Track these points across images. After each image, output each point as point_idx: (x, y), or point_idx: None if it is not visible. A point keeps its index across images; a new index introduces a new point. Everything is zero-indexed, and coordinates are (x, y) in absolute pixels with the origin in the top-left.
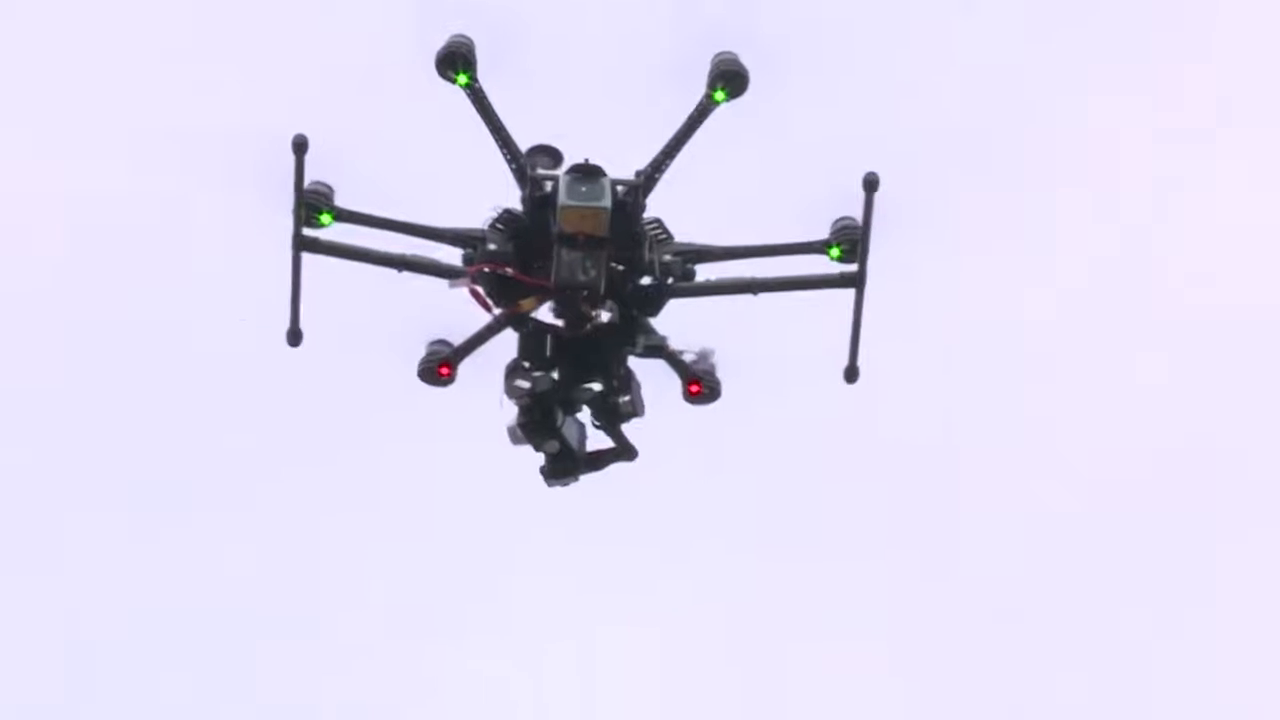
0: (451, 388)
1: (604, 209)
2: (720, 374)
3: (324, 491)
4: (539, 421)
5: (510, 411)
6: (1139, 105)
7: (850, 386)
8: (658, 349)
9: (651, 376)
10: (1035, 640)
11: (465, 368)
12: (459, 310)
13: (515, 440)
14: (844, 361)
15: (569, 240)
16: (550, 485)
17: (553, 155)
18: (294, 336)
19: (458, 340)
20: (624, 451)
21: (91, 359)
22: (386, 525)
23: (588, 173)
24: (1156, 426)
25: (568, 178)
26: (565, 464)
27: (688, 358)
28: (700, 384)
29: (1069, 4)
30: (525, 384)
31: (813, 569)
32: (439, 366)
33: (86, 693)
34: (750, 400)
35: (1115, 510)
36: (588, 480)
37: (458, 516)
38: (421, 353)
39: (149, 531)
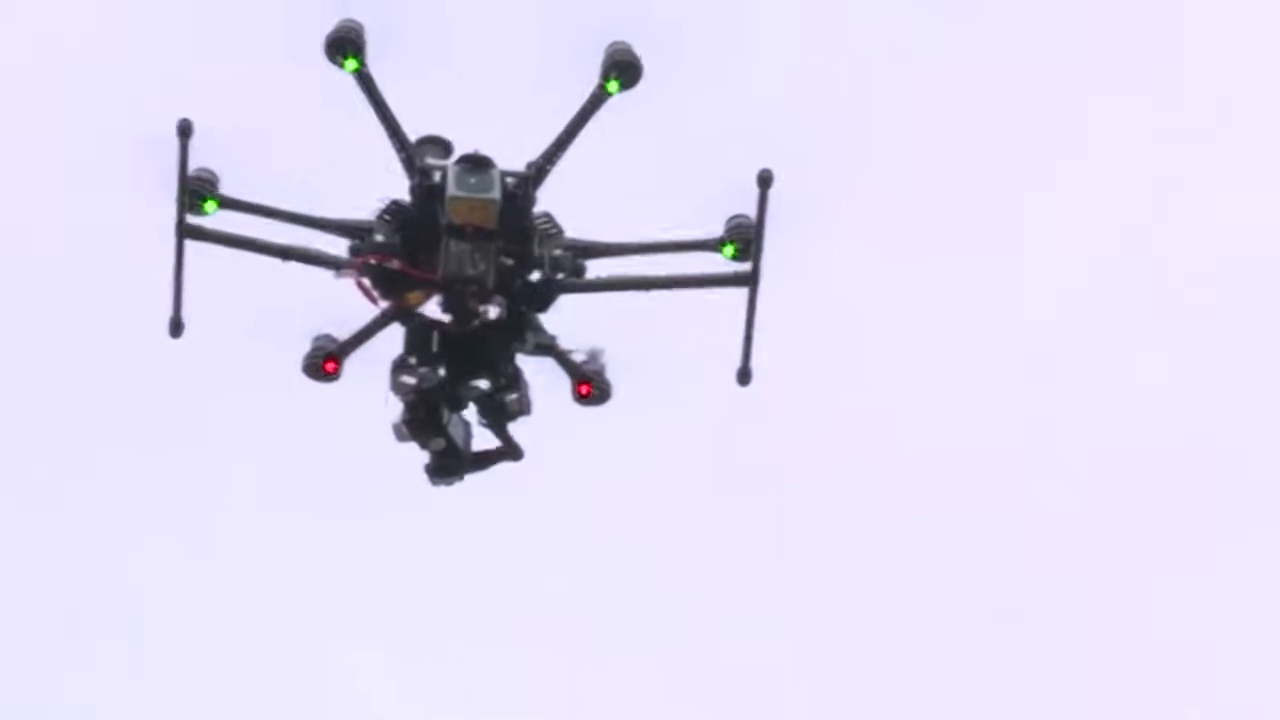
0: (337, 383)
1: (493, 200)
2: (611, 375)
3: (200, 487)
4: (425, 419)
5: (396, 408)
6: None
7: (743, 389)
8: (547, 348)
9: (541, 376)
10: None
11: (351, 363)
12: (345, 303)
13: (400, 437)
14: (737, 363)
15: (457, 232)
16: (435, 484)
17: (443, 146)
18: (175, 327)
19: (343, 335)
20: (510, 451)
21: None
22: (262, 524)
23: (477, 163)
24: (1153, 427)
25: (457, 168)
26: (450, 462)
27: (577, 357)
28: (590, 385)
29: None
30: (411, 380)
31: (702, 573)
32: (324, 361)
33: None
34: (640, 402)
35: (1110, 512)
36: (472, 480)
37: (340, 515)
38: (306, 347)
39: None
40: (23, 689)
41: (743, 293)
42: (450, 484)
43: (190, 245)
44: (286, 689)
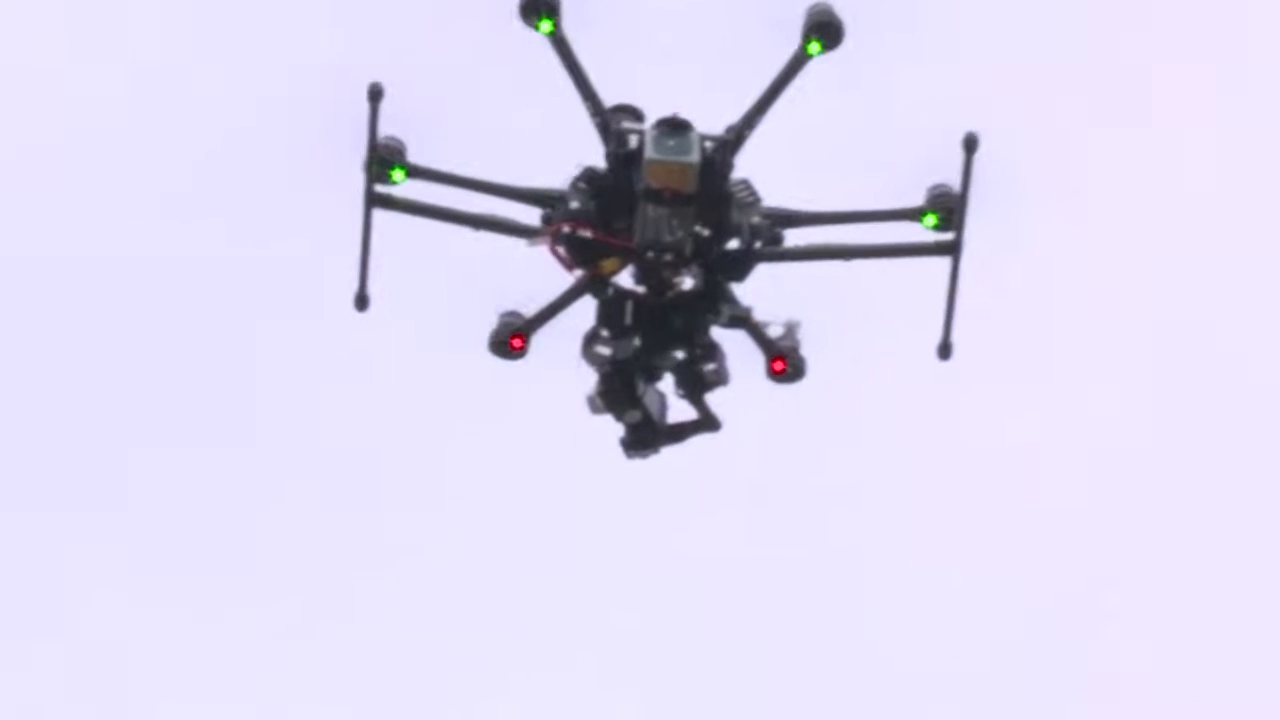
0: (524, 361)
1: (692, 163)
2: (805, 351)
3: (383, 468)
4: (620, 390)
5: (590, 380)
6: None
7: (943, 364)
8: (742, 320)
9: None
10: None
11: (539, 340)
12: (533, 277)
13: (595, 410)
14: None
15: (654, 196)
16: (630, 457)
17: (634, 114)
18: (361, 301)
19: (531, 311)
20: (708, 423)
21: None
22: (446, 505)
23: (676, 126)
24: None
25: (655, 132)
26: (646, 435)
27: (773, 331)
28: (785, 361)
29: None
30: (606, 351)
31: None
32: (511, 338)
33: None
34: (833, 378)
35: None
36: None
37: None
38: (492, 323)
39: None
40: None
41: (944, 263)
42: (646, 456)
43: (381, 216)
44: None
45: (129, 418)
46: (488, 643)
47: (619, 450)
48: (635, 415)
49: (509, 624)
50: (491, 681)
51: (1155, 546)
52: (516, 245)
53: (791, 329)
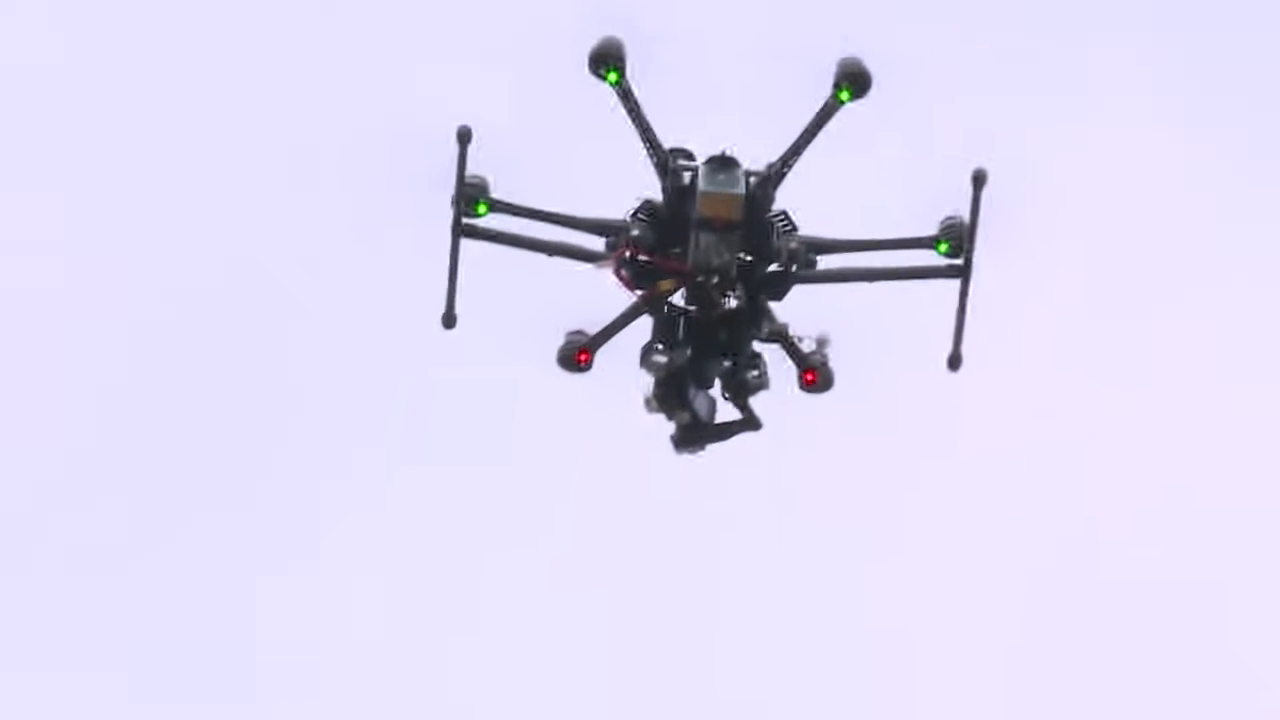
0: (587, 375)
1: (739, 195)
2: (834, 365)
3: (464, 473)
4: (673, 394)
5: (646, 385)
6: None
7: (953, 374)
8: (779, 335)
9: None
10: None
11: (601, 356)
12: (595, 299)
13: (650, 410)
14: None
15: (706, 225)
16: (679, 453)
17: (688, 155)
18: (449, 320)
19: (594, 329)
20: (750, 422)
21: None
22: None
23: (724, 163)
24: None
25: (706, 167)
26: (694, 434)
27: (806, 346)
28: (815, 374)
29: None
30: (663, 359)
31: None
32: (578, 353)
33: None
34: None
35: None
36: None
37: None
38: (560, 341)
39: None
40: None
41: (955, 285)
42: (694, 453)
43: (467, 245)
44: None
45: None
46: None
47: (669, 447)
48: (685, 416)
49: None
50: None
51: None
52: (583, 269)
53: (822, 343)
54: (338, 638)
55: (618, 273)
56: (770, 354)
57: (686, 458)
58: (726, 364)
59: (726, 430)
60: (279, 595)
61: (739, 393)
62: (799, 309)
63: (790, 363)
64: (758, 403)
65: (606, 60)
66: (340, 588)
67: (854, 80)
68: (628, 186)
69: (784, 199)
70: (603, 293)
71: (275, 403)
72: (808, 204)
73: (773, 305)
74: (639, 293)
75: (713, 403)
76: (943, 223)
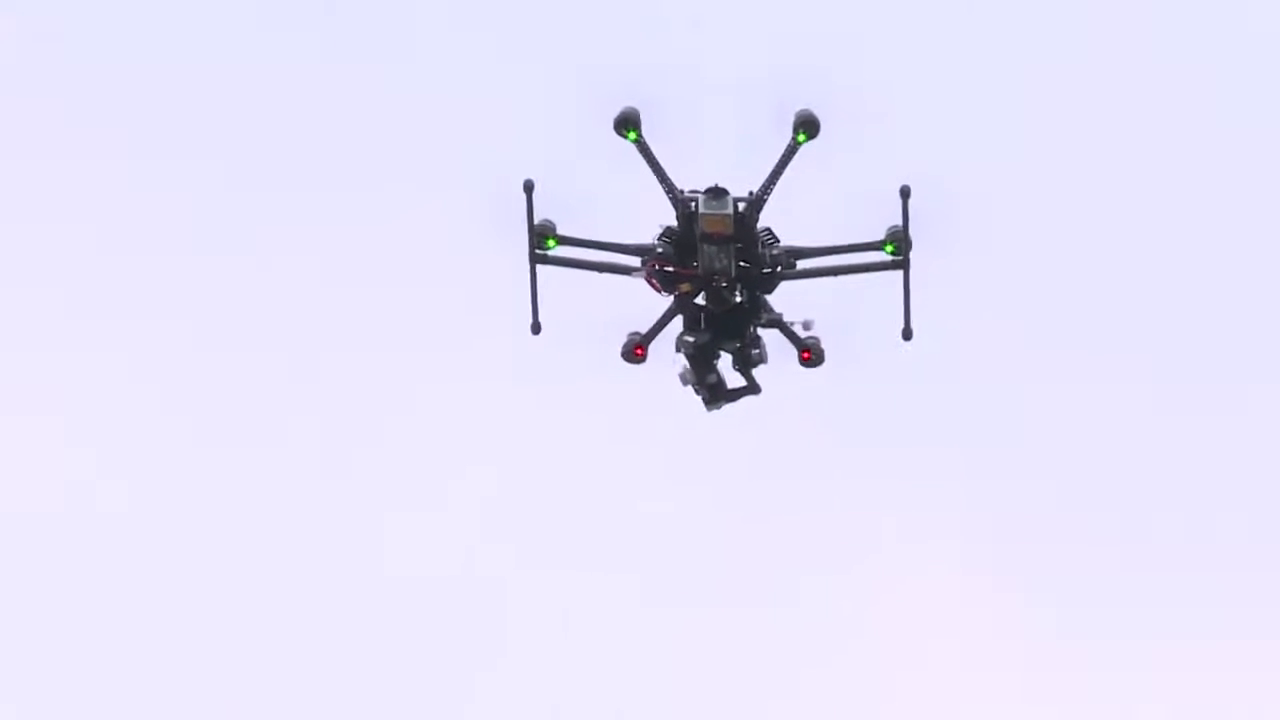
0: (644, 366)
1: (729, 215)
2: (824, 344)
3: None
4: (702, 364)
5: (679, 362)
6: None
7: (907, 344)
8: (776, 322)
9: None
10: None
11: (652, 350)
12: (638, 305)
13: (684, 380)
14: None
15: (708, 239)
16: (709, 410)
17: (693, 193)
18: (536, 328)
19: (644, 329)
20: (753, 388)
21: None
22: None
23: (718, 192)
24: None
25: (703, 196)
26: (719, 392)
27: (799, 330)
28: (810, 352)
29: None
30: (693, 338)
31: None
32: (635, 348)
33: None
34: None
35: None
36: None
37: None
38: (622, 340)
39: None
40: None
41: (899, 276)
42: (720, 407)
43: (541, 270)
44: None
45: None
46: None
47: (701, 406)
48: (713, 378)
49: None
50: None
51: None
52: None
53: (808, 324)
54: None
55: (650, 281)
56: (770, 337)
57: (714, 413)
58: (736, 345)
59: (738, 393)
60: None
61: (746, 366)
62: (791, 301)
63: (789, 344)
64: (759, 373)
65: (627, 124)
66: None
67: (808, 127)
68: (653, 216)
69: (769, 218)
70: (644, 298)
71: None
72: (786, 221)
73: (768, 299)
74: (669, 295)
75: (722, 377)
76: (888, 230)
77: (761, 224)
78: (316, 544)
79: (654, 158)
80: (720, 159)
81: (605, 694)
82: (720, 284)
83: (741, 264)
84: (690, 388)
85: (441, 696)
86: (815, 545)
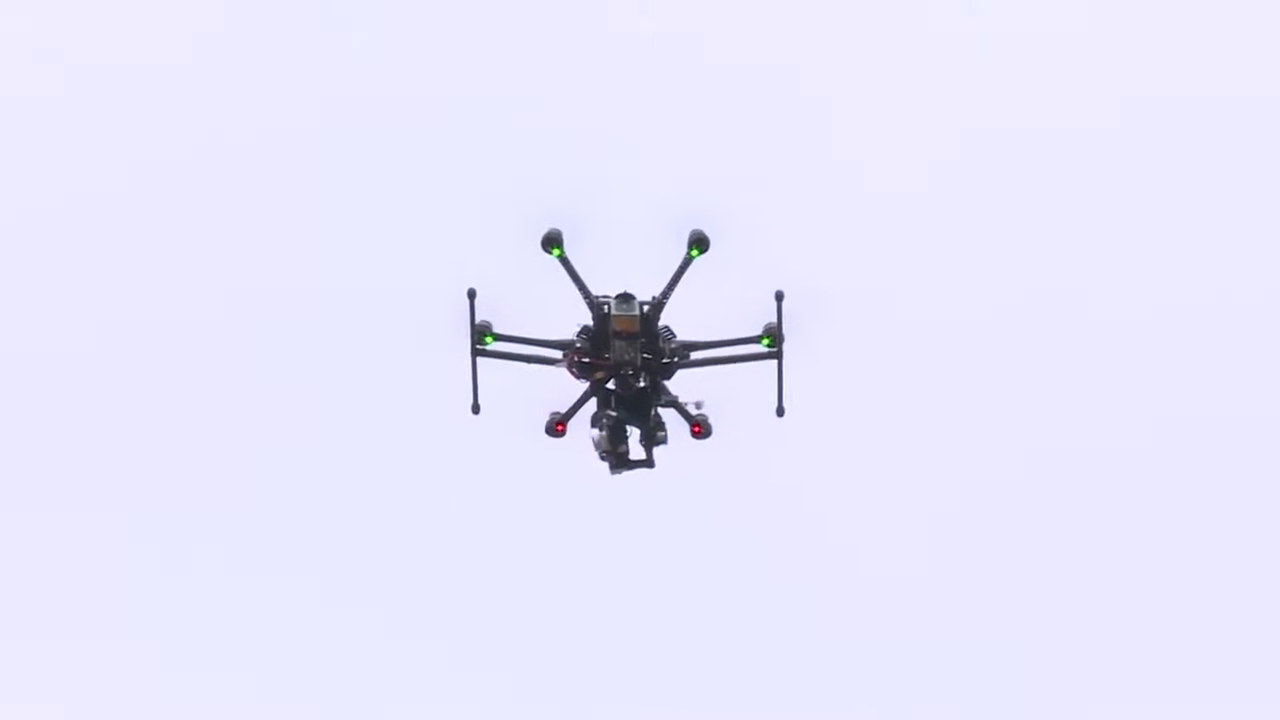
0: (563, 440)
1: (636, 315)
2: (712, 420)
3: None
4: (615, 436)
5: (595, 433)
6: None
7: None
8: (673, 402)
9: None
10: None
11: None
12: (559, 390)
13: (598, 448)
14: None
15: (619, 335)
16: (613, 474)
17: (605, 297)
18: (475, 408)
19: (563, 409)
20: (649, 463)
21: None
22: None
23: (626, 297)
24: None
25: (615, 300)
26: (623, 462)
27: (691, 409)
28: (700, 426)
29: None
30: (612, 414)
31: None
32: (556, 425)
33: None
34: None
35: None
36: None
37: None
38: (544, 418)
39: None
40: None
41: (774, 364)
42: (620, 473)
43: (480, 361)
44: None
45: None
46: None
47: (606, 470)
48: (623, 448)
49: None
50: None
51: None
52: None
53: (700, 404)
54: None
55: (571, 369)
56: (669, 415)
57: (617, 477)
58: (645, 425)
59: (637, 465)
60: None
61: (650, 443)
62: (685, 385)
63: (682, 420)
64: (658, 452)
65: (551, 243)
66: None
67: (700, 244)
68: (573, 317)
69: (668, 318)
70: (564, 385)
71: None
72: (682, 319)
73: (667, 384)
74: (586, 383)
75: (629, 448)
76: (765, 326)
77: (661, 322)
78: None
79: (574, 269)
80: (627, 267)
81: None
82: (628, 372)
83: (645, 355)
84: (599, 454)
85: None
86: None
